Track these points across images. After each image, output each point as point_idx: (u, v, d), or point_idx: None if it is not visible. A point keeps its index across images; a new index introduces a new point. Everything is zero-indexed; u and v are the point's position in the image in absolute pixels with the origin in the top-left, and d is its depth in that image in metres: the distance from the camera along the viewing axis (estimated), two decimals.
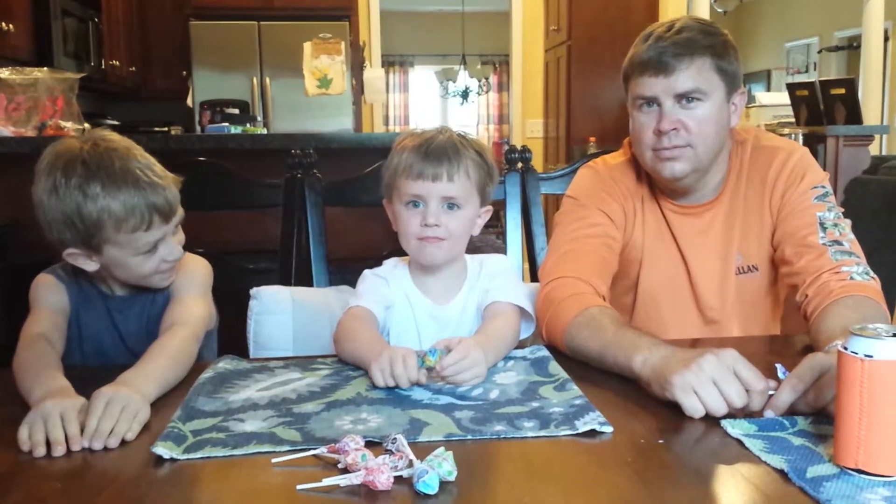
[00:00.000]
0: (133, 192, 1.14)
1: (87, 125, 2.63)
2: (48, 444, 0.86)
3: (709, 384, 0.90)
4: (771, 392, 0.91)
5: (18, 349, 1.10)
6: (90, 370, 1.19)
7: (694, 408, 0.90)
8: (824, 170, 1.42)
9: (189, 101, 4.84)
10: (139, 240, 1.16)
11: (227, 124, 3.76)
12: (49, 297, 1.24)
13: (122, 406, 0.91)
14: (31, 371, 1.04)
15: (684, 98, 1.27)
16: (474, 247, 1.28)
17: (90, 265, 1.20)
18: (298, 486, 0.74)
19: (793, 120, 4.13)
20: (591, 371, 1.10)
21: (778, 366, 0.99)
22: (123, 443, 0.88)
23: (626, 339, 1.06)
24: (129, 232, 1.15)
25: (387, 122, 9.75)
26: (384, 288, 1.26)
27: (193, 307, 1.23)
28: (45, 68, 2.75)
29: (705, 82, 1.27)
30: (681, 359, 0.94)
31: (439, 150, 1.18)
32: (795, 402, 0.90)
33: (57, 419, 0.88)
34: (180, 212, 1.22)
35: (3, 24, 3.61)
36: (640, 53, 1.29)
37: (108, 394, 0.92)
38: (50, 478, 0.81)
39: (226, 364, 1.15)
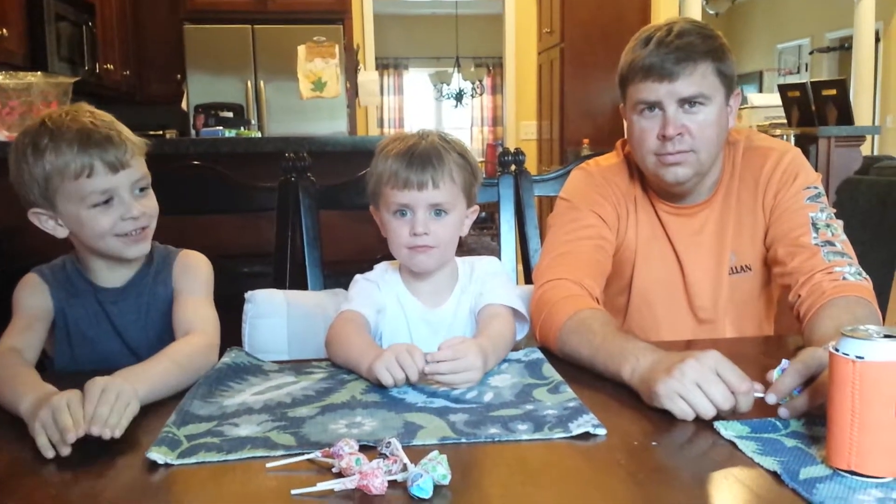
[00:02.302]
0: (75, 139, 1.15)
1: None
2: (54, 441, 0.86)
3: (693, 388, 0.90)
4: (757, 394, 0.91)
5: None
6: (92, 374, 1.18)
7: (683, 411, 0.90)
8: (816, 170, 1.43)
9: (184, 105, 4.84)
10: (84, 188, 1.16)
11: (221, 128, 3.76)
12: (28, 300, 1.22)
13: (116, 394, 0.91)
14: (10, 383, 1.02)
15: (687, 103, 1.28)
16: (469, 249, 1.28)
17: (59, 231, 1.20)
18: (293, 491, 0.74)
19: (785, 121, 4.15)
20: (584, 373, 1.10)
21: (784, 361, 0.94)
22: (114, 443, 0.87)
23: (614, 347, 1.06)
24: (72, 179, 1.15)
25: (381, 125, 9.76)
26: (375, 292, 1.26)
27: (204, 311, 1.23)
28: (39, 73, 2.74)
29: (708, 87, 1.27)
30: (664, 367, 0.94)
31: (423, 156, 1.18)
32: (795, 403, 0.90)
33: (65, 408, 0.88)
34: (139, 171, 1.21)
35: None
36: (642, 59, 1.28)
37: (102, 382, 0.92)
38: (44, 485, 0.81)
39: (225, 359, 1.16)
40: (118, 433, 0.88)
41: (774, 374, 0.92)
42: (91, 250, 1.23)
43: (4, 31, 3.67)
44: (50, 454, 0.86)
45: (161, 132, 5.03)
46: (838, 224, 1.30)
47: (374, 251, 1.59)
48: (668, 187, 1.36)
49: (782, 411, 0.89)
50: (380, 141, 1.26)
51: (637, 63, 1.29)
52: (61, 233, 1.21)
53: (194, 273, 1.28)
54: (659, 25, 1.31)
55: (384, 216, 1.22)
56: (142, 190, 1.22)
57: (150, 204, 1.24)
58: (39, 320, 1.21)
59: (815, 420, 0.88)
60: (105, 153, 1.16)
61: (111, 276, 1.27)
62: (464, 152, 1.23)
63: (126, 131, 1.21)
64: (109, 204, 1.18)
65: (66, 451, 0.85)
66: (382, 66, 9.94)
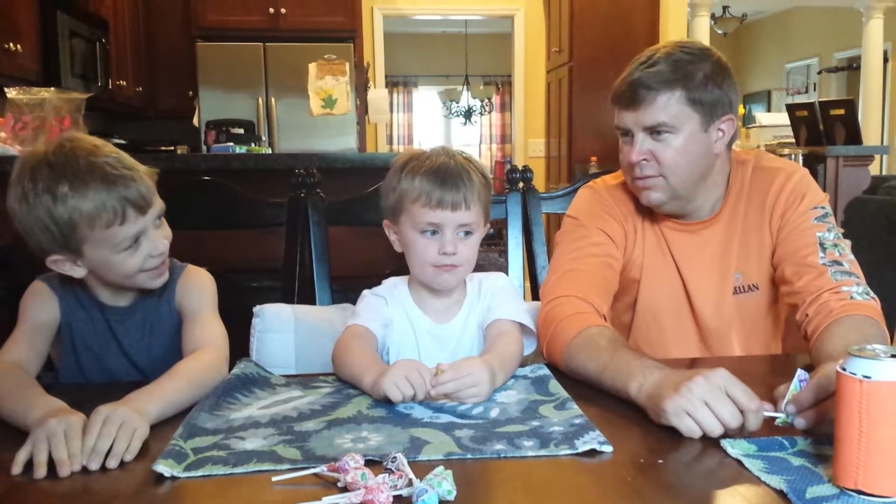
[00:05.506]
0: (101, 187, 1.10)
1: None
2: (50, 463, 0.85)
3: (701, 406, 0.90)
4: (766, 412, 0.90)
5: None
6: (99, 387, 1.18)
7: (690, 429, 0.90)
8: (824, 190, 1.43)
9: (195, 121, 4.88)
10: (116, 235, 1.13)
11: (232, 144, 3.79)
12: (35, 310, 1.21)
13: (120, 423, 0.90)
14: (16, 396, 1.01)
15: (653, 130, 1.29)
16: (477, 265, 1.28)
17: (77, 271, 1.17)
18: None
19: (793, 140, 4.15)
20: (591, 390, 1.10)
21: (801, 372, 0.93)
22: (122, 463, 0.87)
23: (622, 364, 1.06)
24: (104, 228, 1.11)
25: (390, 142, 9.81)
26: (382, 307, 1.27)
27: (212, 326, 1.22)
28: (53, 88, 2.77)
29: (673, 116, 1.28)
30: (672, 384, 0.94)
31: (455, 176, 1.18)
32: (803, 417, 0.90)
33: (61, 438, 0.87)
34: (159, 204, 1.18)
35: (11, 45, 3.65)
36: (618, 85, 1.33)
37: (105, 412, 0.91)
38: (50, 496, 0.81)
39: (235, 370, 1.16)
40: (129, 457, 0.88)
41: (792, 386, 0.91)
42: (103, 282, 1.22)
43: (18, 47, 3.71)
44: (16, 471, 0.85)
45: (172, 148, 5.09)
46: (846, 244, 1.30)
47: (383, 266, 1.59)
48: (653, 209, 1.37)
49: (798, 421, 0.89)
50: (394, 158, 1.26)
51: (615, 89, 1.34)
52: (78, 273, 1.17)
53: (199, 291, 1.27)
54: (649, 50, 1.32)
55: (408, 233, 1.21)
56: (158, 219, 1.20)
57: (168, 233, 1.22)
58: (44, 332, 1.20)
59: (822, 439, 0.88)
60: (130, 195, 1.12)
61: (117, 298, 1.26)
62: (484, 171, 1.24)
63: (139, 166, 1.17)
64: (138, 244, 1.16)
65: (41, 473, 0.84)
66: (392, 83, 10.01)
